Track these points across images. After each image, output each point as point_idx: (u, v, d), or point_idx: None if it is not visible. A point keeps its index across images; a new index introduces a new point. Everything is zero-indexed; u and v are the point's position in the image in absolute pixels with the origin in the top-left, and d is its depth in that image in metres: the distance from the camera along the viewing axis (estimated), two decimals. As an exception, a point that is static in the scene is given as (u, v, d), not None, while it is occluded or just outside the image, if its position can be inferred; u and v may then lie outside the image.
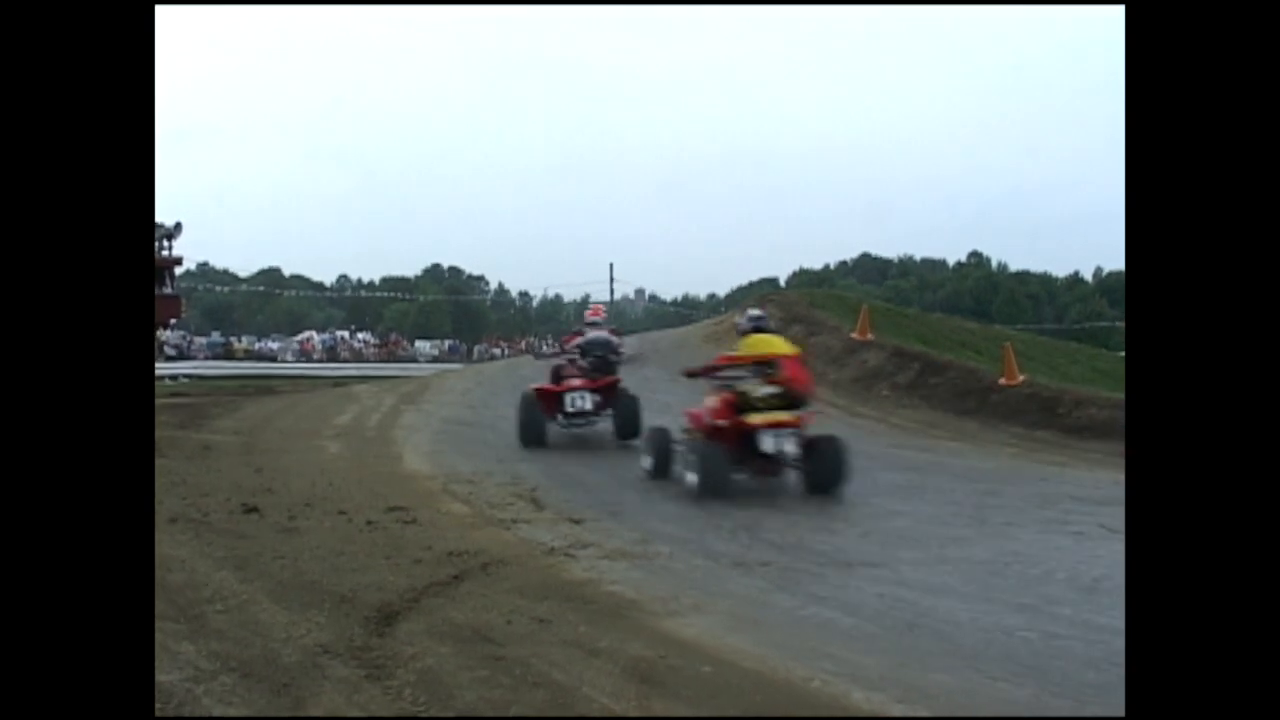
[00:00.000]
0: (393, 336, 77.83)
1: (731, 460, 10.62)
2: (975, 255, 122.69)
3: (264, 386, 32.33)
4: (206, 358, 53.21)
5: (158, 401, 14.73)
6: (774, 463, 10.78)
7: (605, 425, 14.90)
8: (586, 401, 14.60)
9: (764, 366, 11.23)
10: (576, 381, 14.76)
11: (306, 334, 73.15)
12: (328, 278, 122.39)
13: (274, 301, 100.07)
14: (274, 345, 64.73)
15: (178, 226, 45.85)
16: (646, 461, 11.77)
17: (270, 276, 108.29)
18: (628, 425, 14.53)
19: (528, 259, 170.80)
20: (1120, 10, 3.84)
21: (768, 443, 10.64)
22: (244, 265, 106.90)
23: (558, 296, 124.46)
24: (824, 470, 10.63)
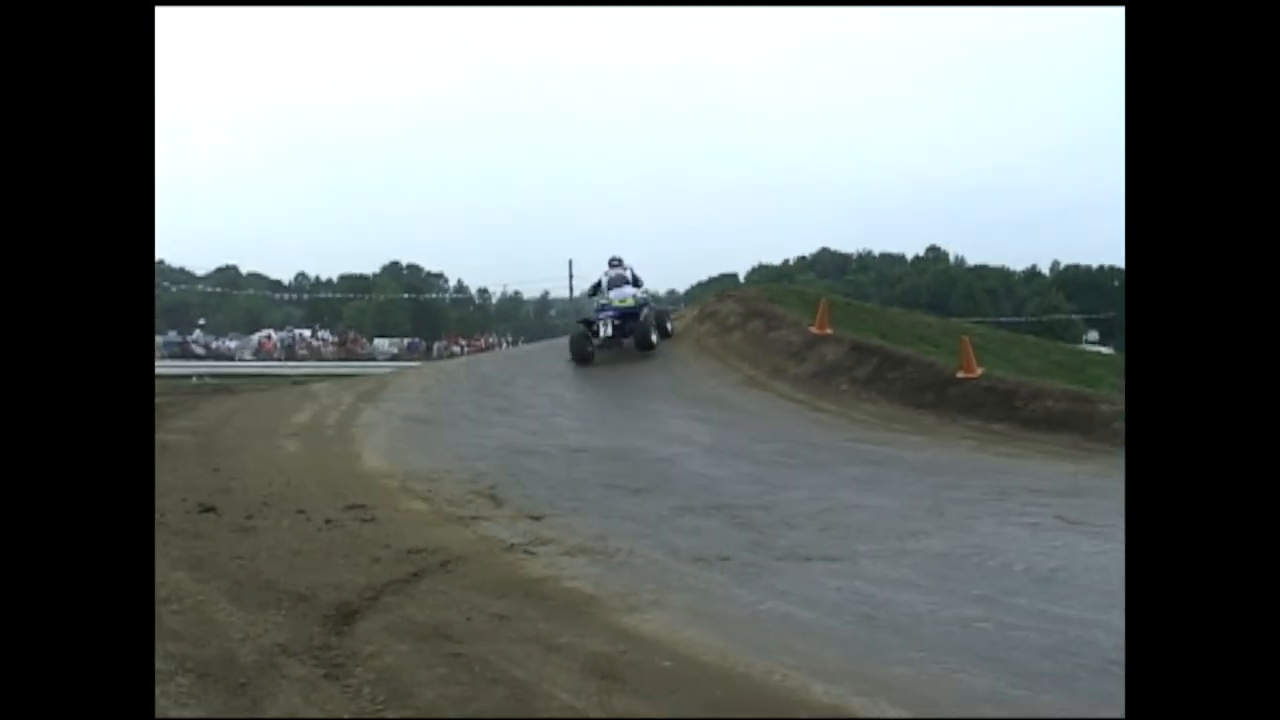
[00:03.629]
0: (351, 334, 77.51)
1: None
2: (934, 250, 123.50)
3: (221, 385, 32.09)
4: (163, 357, 52.83)
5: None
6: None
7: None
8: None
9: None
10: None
11: (264, 332, 72.82)
12: (285, 276, 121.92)
13: (231, 300, 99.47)
14: (231, 344, 64.33)
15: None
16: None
17: (227, 275, 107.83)
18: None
19: (487, 256, 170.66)
20: (1084, 12, 3.86)
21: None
22: (200, 263, 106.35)
23: (517, 293, 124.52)
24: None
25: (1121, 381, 17.83)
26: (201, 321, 57.27)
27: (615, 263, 23.97)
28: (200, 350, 50.10)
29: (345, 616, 6.02)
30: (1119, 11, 3.71)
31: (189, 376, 35.12)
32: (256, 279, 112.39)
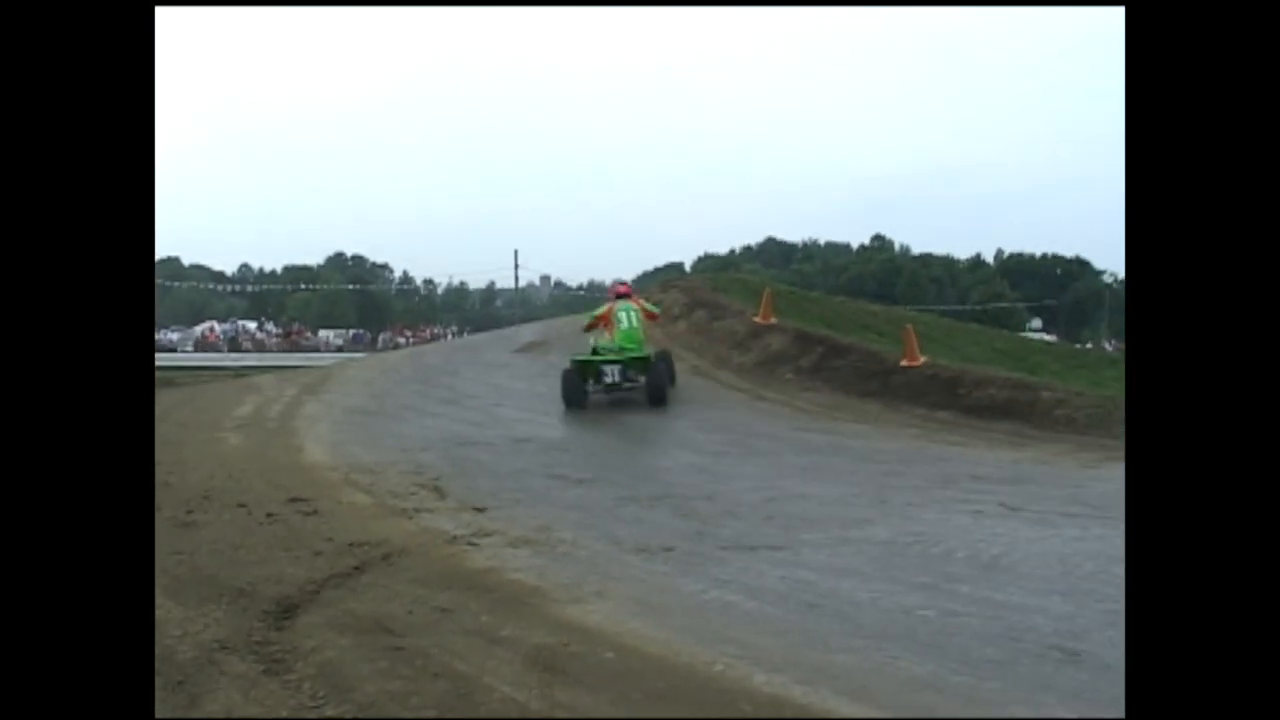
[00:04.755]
0: (295, 326, 76.97)
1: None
2: (879, 239, 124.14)
3: (164, 379, 31.79)
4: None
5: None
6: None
7: None
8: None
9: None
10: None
11: (207, 324, 72.19)
12: (229, 267, 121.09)
13: (173, 292, 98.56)
14: (173, 336, 63.67)
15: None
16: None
17: (169, 266, 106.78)
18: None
19: (433, 247, 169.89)
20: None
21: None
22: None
23: (463, 284, 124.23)
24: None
25: (1060, 367, 18.04)
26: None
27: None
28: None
29: (286, 611, 5.99)
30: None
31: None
32: (199, 270, 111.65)
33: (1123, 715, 3.35)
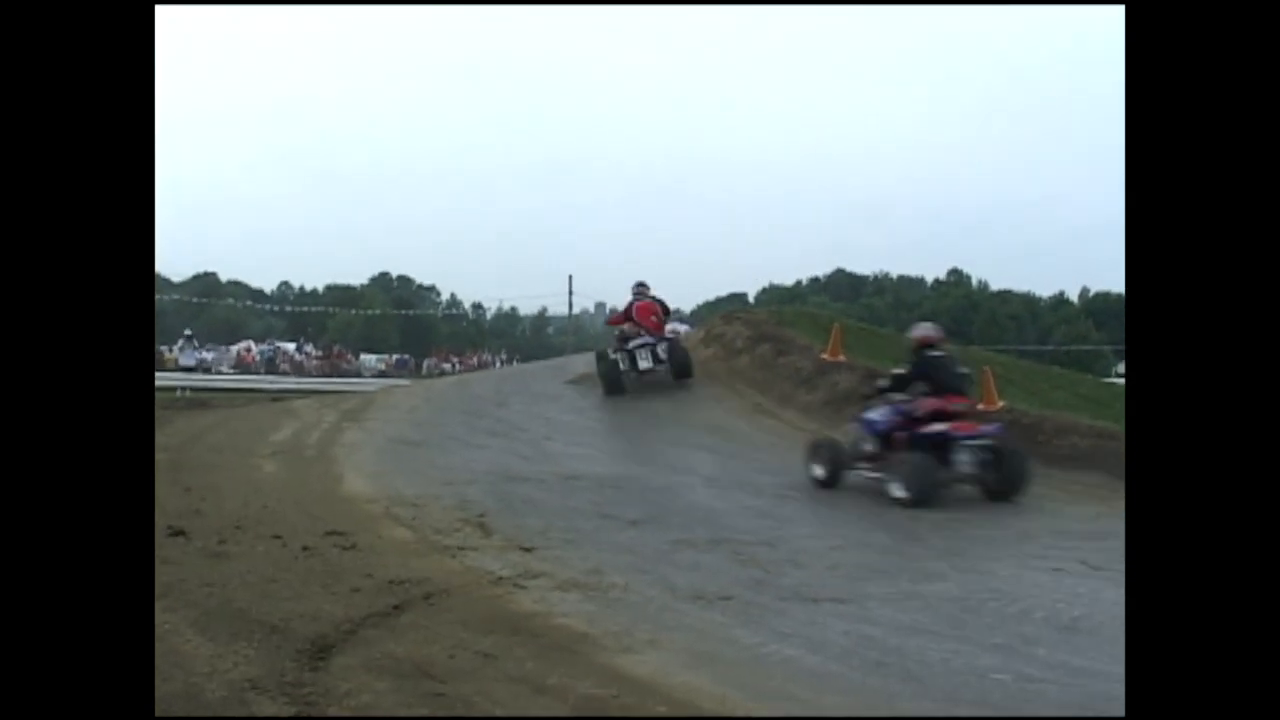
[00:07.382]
0: (336, 349, 77.37)
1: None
2: (955, 273, 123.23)
3: (197, 400, 32.10)
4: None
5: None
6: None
7: None
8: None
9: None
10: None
11: (244, 344, 72.70)
12: (268, 285, 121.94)
13: (209, 309, 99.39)
14: (208, 355, 64.11)
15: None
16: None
17: (206, 282, 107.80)
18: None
19: (482, 269, 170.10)
20: (1110, 29, 3.90)
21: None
22: (177, 270, 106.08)
23: (513, 309, 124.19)
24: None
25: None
26: (188, 332, 57.33)
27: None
28: (190, 362, 50.24)
29: (321, 650, 6.00)
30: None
31: (173, 389, 35.19)
32: (237, 287, 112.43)
33: (1122, 715, 3.35)
